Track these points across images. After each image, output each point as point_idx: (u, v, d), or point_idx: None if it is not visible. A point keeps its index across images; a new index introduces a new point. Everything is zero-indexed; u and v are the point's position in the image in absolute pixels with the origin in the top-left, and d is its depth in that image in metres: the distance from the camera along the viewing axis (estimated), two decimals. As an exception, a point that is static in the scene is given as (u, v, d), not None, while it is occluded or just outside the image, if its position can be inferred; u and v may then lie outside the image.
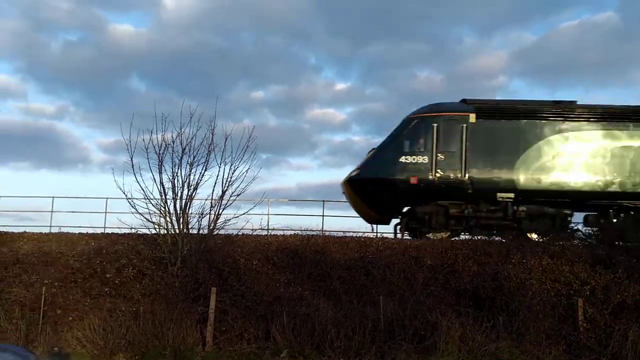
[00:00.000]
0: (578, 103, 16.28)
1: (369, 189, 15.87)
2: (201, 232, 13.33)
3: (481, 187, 15.48)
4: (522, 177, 15.40)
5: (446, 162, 15.53)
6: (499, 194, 15.42)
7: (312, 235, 14.71)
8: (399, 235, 16.04)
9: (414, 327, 10.85)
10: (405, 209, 16.14)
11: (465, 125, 15.67)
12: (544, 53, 50.89)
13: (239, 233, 14.37)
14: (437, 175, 15.46)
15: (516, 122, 15.79)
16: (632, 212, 15.54)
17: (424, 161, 15.52)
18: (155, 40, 55.88)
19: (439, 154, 15.52)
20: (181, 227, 13.01)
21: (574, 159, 15.46)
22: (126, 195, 12.87)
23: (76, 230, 15.94)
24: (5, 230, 15.47)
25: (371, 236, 15.35)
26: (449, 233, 15.80)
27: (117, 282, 12.22)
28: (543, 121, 15.74)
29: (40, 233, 15.17)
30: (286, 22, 55.88)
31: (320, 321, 10.85)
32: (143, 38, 57.07)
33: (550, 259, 12.61)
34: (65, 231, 15.80)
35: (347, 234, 15.93)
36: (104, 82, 56.73)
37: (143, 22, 69.62)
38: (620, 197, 15.38)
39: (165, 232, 12.98)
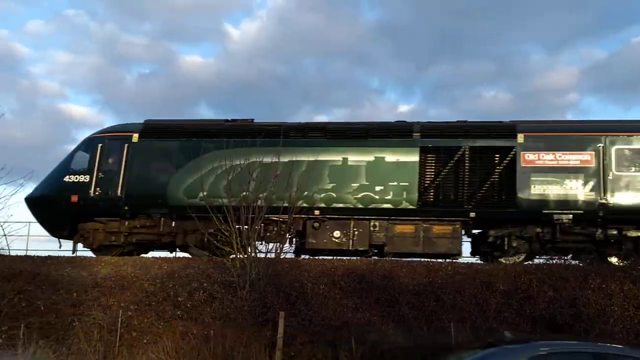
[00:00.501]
0: (255, 122, 16.52)
1: (38, 206, 16.42)
2: (268, 256, 13.53)
3: (136, 204, 15.92)
4: (174, 194, 15.69)
5: (106, 180, 16.11)
6: (153, 210, 15.86)
7: (379, 259, 14.57)
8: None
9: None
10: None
11: (127, 144, 16.31)
12: (616, 69, 48.94)
13: (305, 257, 14.47)
14: (97, 193, 16.02)
15: (178, 141, 16.32)
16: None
17: (85, 180, 16.14)
18: (222, 69, 58.03)
19: (99, 173, 16.18)
20: (249, 251, 13.22)
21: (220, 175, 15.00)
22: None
23: (149, 255, 16.54)
24: (84, 255, 16.24)
25: (440, 260, 14.98)
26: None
27: (188, 305, 12.50)
28: (204, 139, 16.02)
29: (117, 257, 15.79)
30: (348, 47, 56.62)
31: (390, 348, 10.66)
32: (211, 68, 59.43)
33: (632, 284, 11.91)
34: (140, 255, 16.39)
35: (415, 259, 15.63)
36: (175, 110, 59.31)
37: (211, 52, 72.51)
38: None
39: (234, 256, 13.22)
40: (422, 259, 15.09)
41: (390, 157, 15.47)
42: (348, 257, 14.95)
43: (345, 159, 15.57)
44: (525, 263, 14.69)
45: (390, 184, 15.26)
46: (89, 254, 16.47)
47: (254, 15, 67.32)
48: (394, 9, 58.54)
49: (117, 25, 64.63)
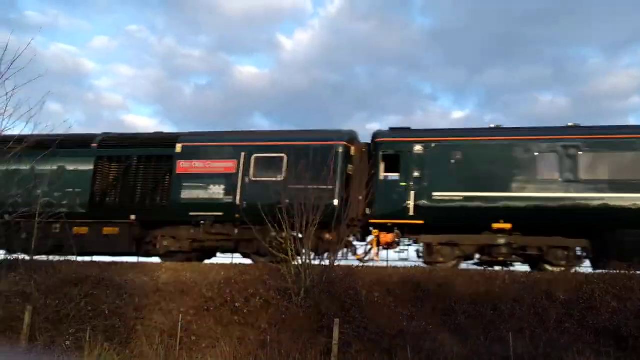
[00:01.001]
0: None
1: None
2: (323, 263, 13.61)
3: None
4: None
5: None
6: None
7: (435, 267, 14.42)
8: None
9: (548, 367, 10.21)
10: None
11: None
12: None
13: (360, 265, 14.48)
14: None
15: None
16: None
17: None
18: (275, 79, 58.89)
19: None
20: (304, 258, 13.35)
21: None
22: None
23: (208, 261, 16.96)
24: (146, 261, 16.80)
25: (497, 269, 14.70)
26: None
27: (245, 311, 12.73)
28: None
29: (177, 263, 16.25)
30: (401, 53, 56.39)
31: (446, 357, 10.55)
32: (265, 78, 60.43)
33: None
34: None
35: (471, 267, 15.40)
36: (230, 120, 60.61)
37: (265, 63, 73.70)
38: None
39: (289, 263, 13.37)
40: (478, 268, 14.93)
41: (70, 166, 17.39)
42: (402, 266, 14.92)
43: (33, 168, 16.42)
44: (588, 272, 14.21)
45: (68, 190, 16.98)
46: (152, 259, 16.99)
47: (306, 25, 68.18)
48: (446, 14, 58.10)
49: (175, 39, 66.89)
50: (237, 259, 17.07)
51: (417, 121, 60.09)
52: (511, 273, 13.90)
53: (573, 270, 14.51)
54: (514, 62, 57.00)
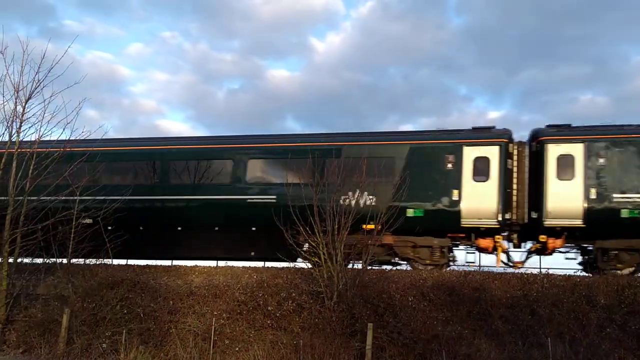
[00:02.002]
0: None
1: None
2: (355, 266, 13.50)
3: None
4: None
5: None
6: None
7: (470, 271, 14.17)
8: None
9: (589, 373, 9.90)
10: None
11: None
12: None
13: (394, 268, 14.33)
14: None
15: None
16: None
17: None
18: (307, 82, 59.06)
19: None
20: (335, 261, 13.24)
21: None
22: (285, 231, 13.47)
23: (239, 264, 17.00)
24: (179, 264, 16.96)
25: (534, 272, 14.36)
26: None
27: (278, 314, 12.70)
28: None
29: (210, 266, 16.36)
30: (435, 54, 55.86)
31: (483, 362, 10.33)
32: (297, 81, 60.65)
33: None
34: (231, 264, 16.89)
35: (508, 270, 15.07)
36: (263, 123, 60.95)
37: (297, 66, 74.01)
38: None
39: (321, 266, 13.30)
40: (515, 271, 14.61)
41: None
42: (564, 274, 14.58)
43: None
44: (629, 276, 13.78)
45: None
46: (182, 263, 17.14)
47: (338, 27, 68.18)
48: (481, 13, 57.33)
49: (208, 44, 67.73)
50: (269, 262, 17.07)
51: (452, 122, 59.43)
52: (549, 276, 13.56)
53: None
54: (552, 60, 55.87)
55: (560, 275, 13.83)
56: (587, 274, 14.89)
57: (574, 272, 14.90)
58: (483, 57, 57.43)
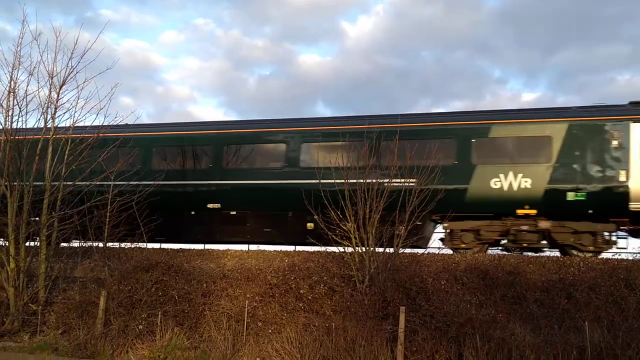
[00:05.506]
0: None
1: None
2: (387, 250, 13.42)
3: None
4: None
5: None
6: None
7: (504, 254, 13.96)
8: None
9: (627, 357, 9.67)
10: None
11: None
12: None
13: (425, 252, 14.21)
14: None
15: None
16: None
17: None
18: (339, 66, 58.80)
19: None
20: (367, 245, 13.20)
21: None
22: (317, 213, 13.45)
23: (271, 248, 17.11)
24: (212, 248, 17.16)
25: (570, 256, 14.08)
26: None
27: (310, 298, 12.74)
28: None
29: (242, 250, 16.51)
30: (468, 37, 54.96)
31: (518, 346, 10.17)
32: (328, 66, 60.41)
33: None
34: (263, 248, 17.01)
35: (544, 253, 14.81)
36: (294, 108, 61.03)
37: (329, 51, 73.66)
38: None
39: (352, 250, 13.28)
40: (551, 255, 14.28)
41: None
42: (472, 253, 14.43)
43: None
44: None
45: None
46: (214, 247, 17.33)
47: (370, 11, 67.54)
48: (515, -7, 55.78)
49: (241, 30, 67.91)
50: (301, 245, 17.12)
51: (486, 106, 58.42)
52: (586, 260, 13.28)
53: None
54: (589, 41, 54.35)
55: (599, 258, 13.52)
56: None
57: None
58: (518, 38, 56.25)
